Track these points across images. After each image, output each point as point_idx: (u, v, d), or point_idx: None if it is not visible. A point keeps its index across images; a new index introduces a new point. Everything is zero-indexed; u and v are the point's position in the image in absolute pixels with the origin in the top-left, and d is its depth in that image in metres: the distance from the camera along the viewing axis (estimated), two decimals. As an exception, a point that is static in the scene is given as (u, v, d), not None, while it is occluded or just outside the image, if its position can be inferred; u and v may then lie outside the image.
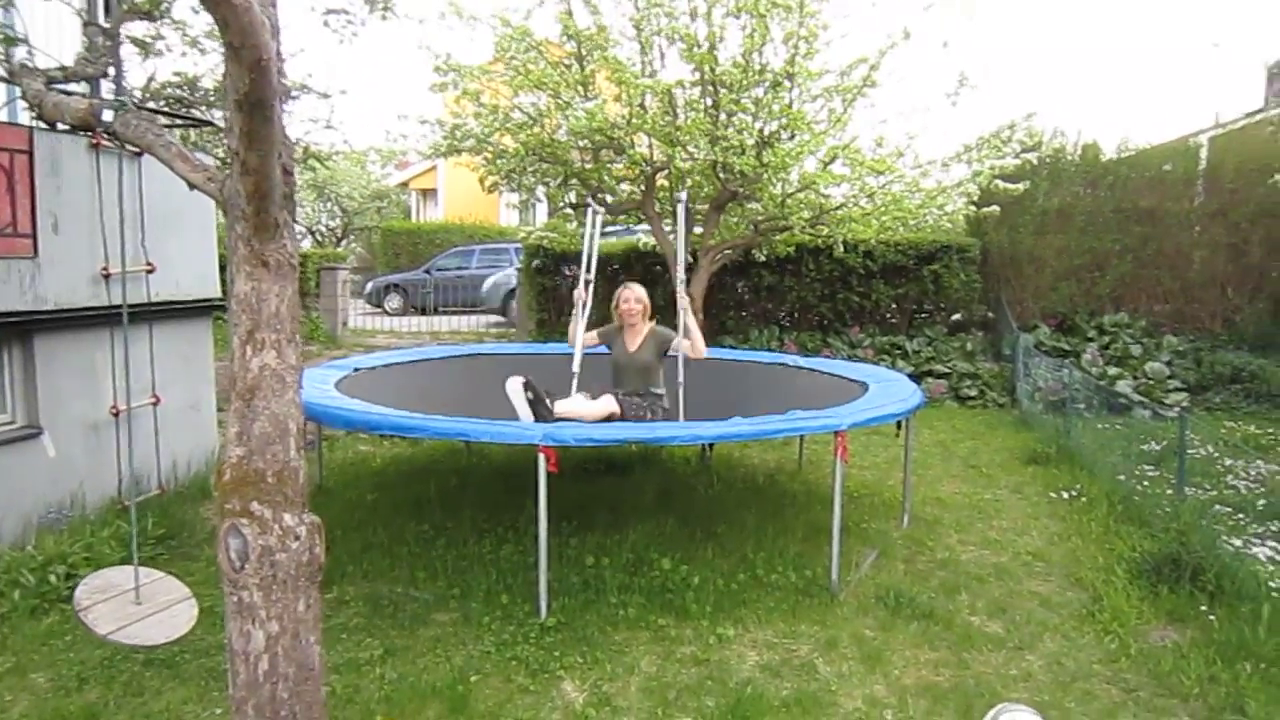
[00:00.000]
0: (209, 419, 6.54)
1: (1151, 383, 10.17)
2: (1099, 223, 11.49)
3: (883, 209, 8.65)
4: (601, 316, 6.66)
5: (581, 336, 5.83)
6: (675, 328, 5.57)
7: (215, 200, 2.53)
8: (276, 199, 2.33)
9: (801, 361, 6.69)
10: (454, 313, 16.99)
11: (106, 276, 5.35)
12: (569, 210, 10.16)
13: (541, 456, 3.89)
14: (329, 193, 28.98)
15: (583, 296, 5.87)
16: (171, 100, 11.07)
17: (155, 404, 5.72)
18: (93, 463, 5.45)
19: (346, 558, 4.79)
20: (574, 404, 5.21)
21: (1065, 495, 6.33)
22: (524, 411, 4.85)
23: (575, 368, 5.94)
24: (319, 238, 31.46)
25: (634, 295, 5.63)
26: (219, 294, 6.49)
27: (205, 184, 2.51)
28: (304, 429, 2.58)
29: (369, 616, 4.16)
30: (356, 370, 5.98)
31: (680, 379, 5.49)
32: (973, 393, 10.46)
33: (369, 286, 20.26)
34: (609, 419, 5.25)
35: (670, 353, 5.57)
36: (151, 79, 12.85)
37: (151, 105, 9.07)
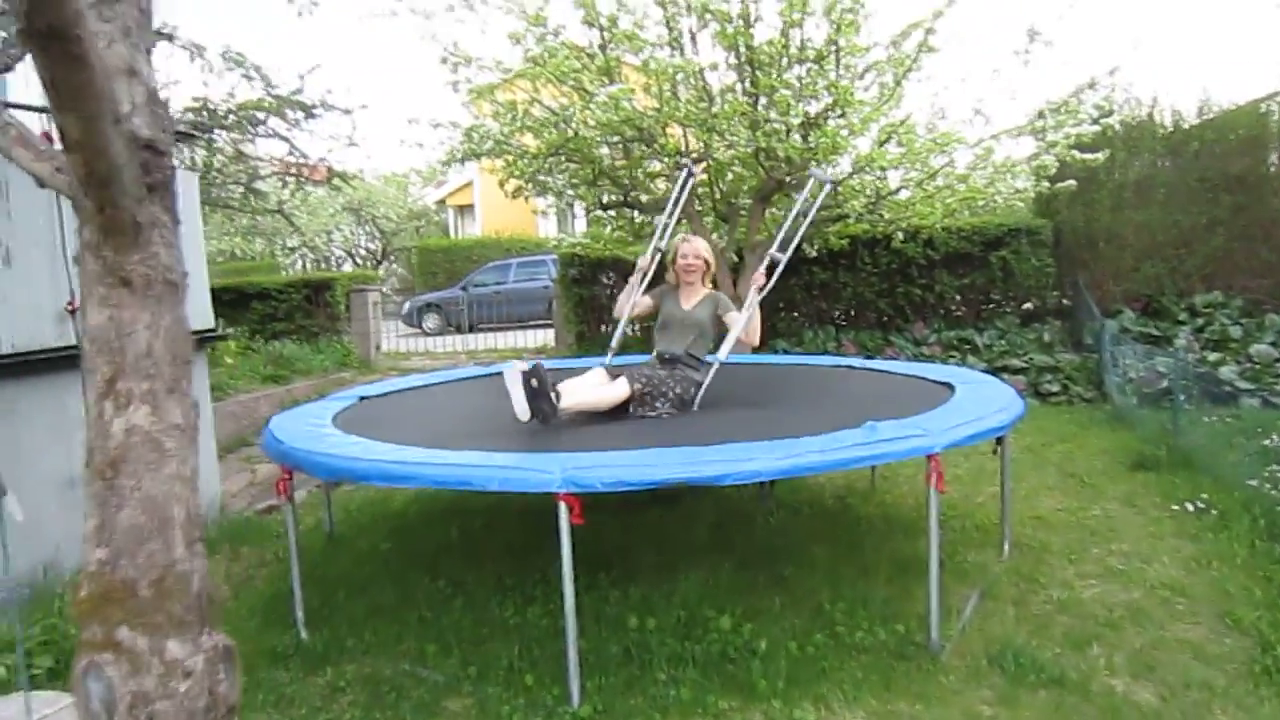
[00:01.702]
0: (208, 463, 5.88)
1: (1259, 367, 9.08)
2: (1183, 194, 10.41)
3: (947, 189, 7.75)
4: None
5: (629, 306, 5.12)
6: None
7: (70, 198, 1.79)
8: (126, 187, 1.59)
9: (869, 363, 5.83)
10: (493, 329, 16.37)
11: (72, 312, 4.72)
12: (600, 213, 9.39)
13: (563, 506, 3.12)
14: (365, 214, 28.67)
15: (645, 265, 5.18)
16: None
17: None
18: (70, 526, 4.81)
19: (347, 629, 4.06)
20: (582, 395, 4.46)
21: (1190, 508, 5.37)
22: (520, 406, 4.14)
23: (614, 343, 5.23)
24: (359, 260, 31.22)
25: (694, 249, 4.97)
26: (212, 324, 5.84)
27: (53, 177, 1.79)
28: (198, 514, 1.83)
29: (366, 708, 3.40)
30: (362, 399, 5.27)
31: (721, 355, 4.78)
32: (1055, 388, 9.47)
33: (406, 307, 19.74)
34: (626, 403, 4.52)
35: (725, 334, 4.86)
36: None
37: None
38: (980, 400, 4.18)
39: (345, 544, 5.33)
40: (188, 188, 5.55)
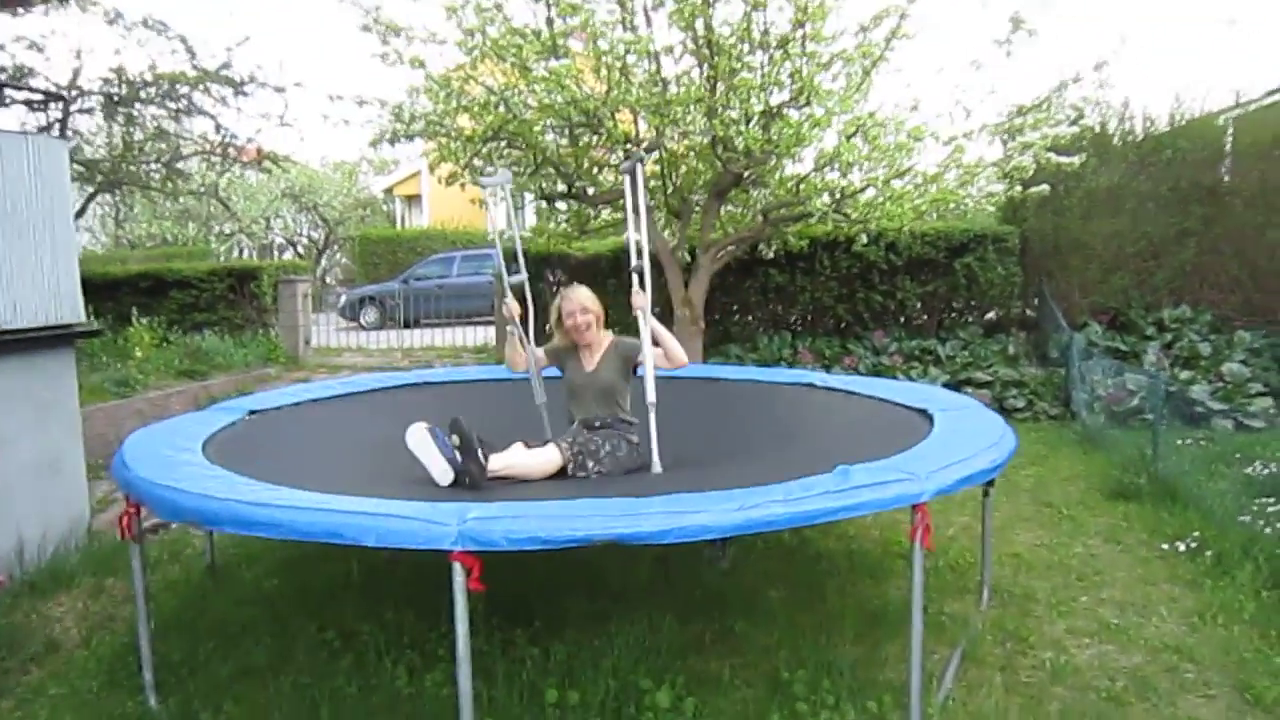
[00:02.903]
0: (74, 482, 5.09)
1: (1230, 386, 8.69)
2: (1153, 204, 10.01)
3: (915, 190, 7.19)
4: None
5: (532, 357, 4.42)
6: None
7: None
8: None
9: (834, 381, 5.22)
10: (435, 325, 15.55)
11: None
12: (544, 204, 8.68)
13: (458, 567, 2.45)
14: (307, 201, 27.55)
15: (515, 313, 4.42)
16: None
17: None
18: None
19: (206, 696, 3.34)
20: (513, 458, 3.79)
21: (1181, 548, 4.86)
22: (438, 469, 3.48)
23: (540, 398, 4.52)
24: (300, 250, 30.04)
25: (578, 304, 4.23)
26: (82, 317, 5.04)
27: None
28: None
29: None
30: (251, 415, 4.53)
31: (649, 398, 4.00)
32: (1020, 403, 9.00)
33: (343, 299, 18.82)
34: (560, 472, 3.86)
35: (638, 370, 4.18)
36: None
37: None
38: (966, 434, 3.59)
39: (227, 578, 4.59)
40: (52, 157, 4.76)
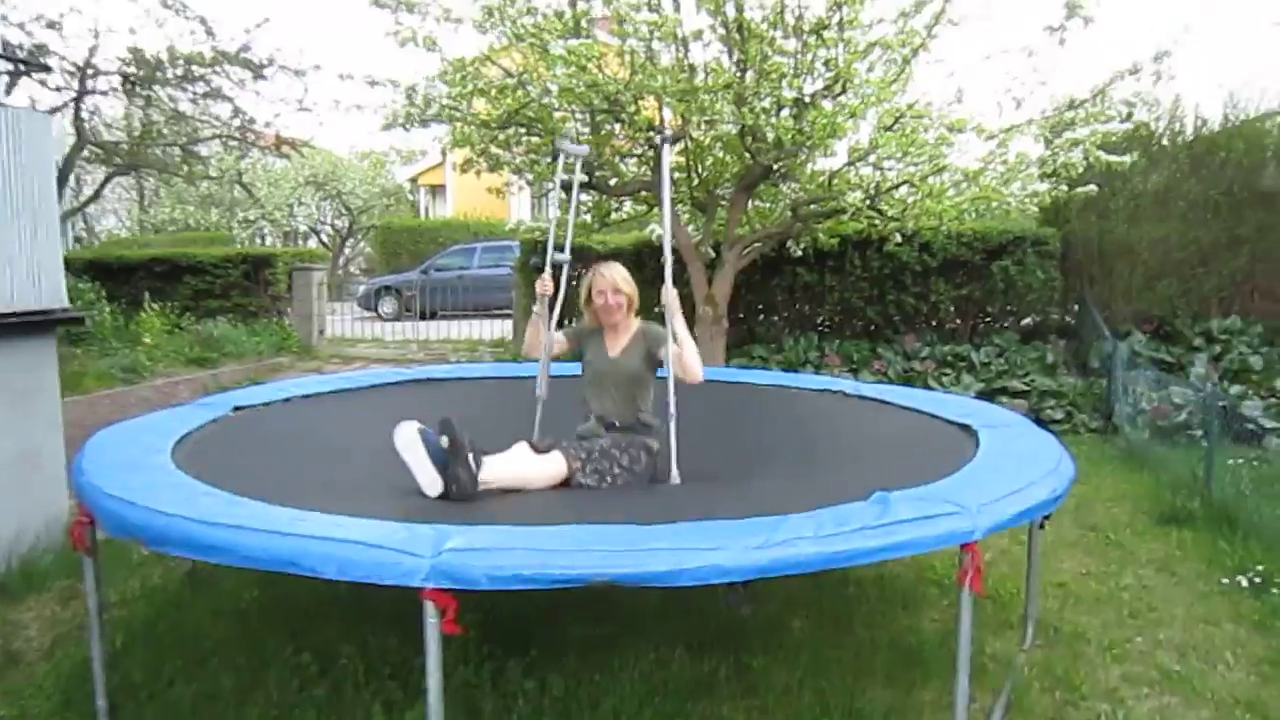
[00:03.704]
0: (53, 477, 4.78)
1: (1285, 403, 8.20)
2: (1204, 208, 9.51)
3: (956, 186, 6.77)
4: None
5: (548, 341, 4.06)
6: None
7: None
8: None
9: (867, 390, 4.83)
10: (453, 317, 15.28)
11: None
12: (564, 194, 8.30)
13: (429, 606, 2.10)
14: (330, 189, 27.35)
15: (547, 290, 4.07)
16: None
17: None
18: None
19: (161, 727, 3.02)
20: (508, 465, 3.43)
21: (1244, 583, 4.44)
22: (426, 478, 3.13)
23: (540, 390, 4.19)
24: (324, 238, 29.88)
25: (611, 282, 3.90)
26: (64, 303, 4.73)
27: None
28: None
29: None
30: (236, 410, 4.21)
31: (670, 406, 3.68)
32: (1058, 415, 8.54)
33: (361, 289, 18.59)
34: (564, 483, 3.52)
35: (660, 369, 3.86)
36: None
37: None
38: (1018, 456, 3.19)
39: (204, 590, 4.27)
40: (34, 131, 4.45)
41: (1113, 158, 7.10)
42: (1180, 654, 3.73)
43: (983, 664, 3.56)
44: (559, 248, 4.29)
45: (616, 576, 2.04)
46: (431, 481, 3.18)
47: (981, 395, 8.51)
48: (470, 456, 3.21)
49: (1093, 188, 7.54)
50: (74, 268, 12.15)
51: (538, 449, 3.64)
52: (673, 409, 3.67)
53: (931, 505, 2.47)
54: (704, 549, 2.13)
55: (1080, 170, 6.82)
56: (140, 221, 28.46)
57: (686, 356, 3.72)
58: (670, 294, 3.76)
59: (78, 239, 26.57)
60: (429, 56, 6.69)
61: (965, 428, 3.82)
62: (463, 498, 3.17)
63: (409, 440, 3.21)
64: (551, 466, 3.53)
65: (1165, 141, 9.69)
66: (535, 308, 4.12)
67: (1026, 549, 3.79)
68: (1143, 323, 9.65)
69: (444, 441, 3.20)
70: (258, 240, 27.07)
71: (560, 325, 4.29)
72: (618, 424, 3.86)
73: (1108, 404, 8.54)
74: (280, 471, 3.25)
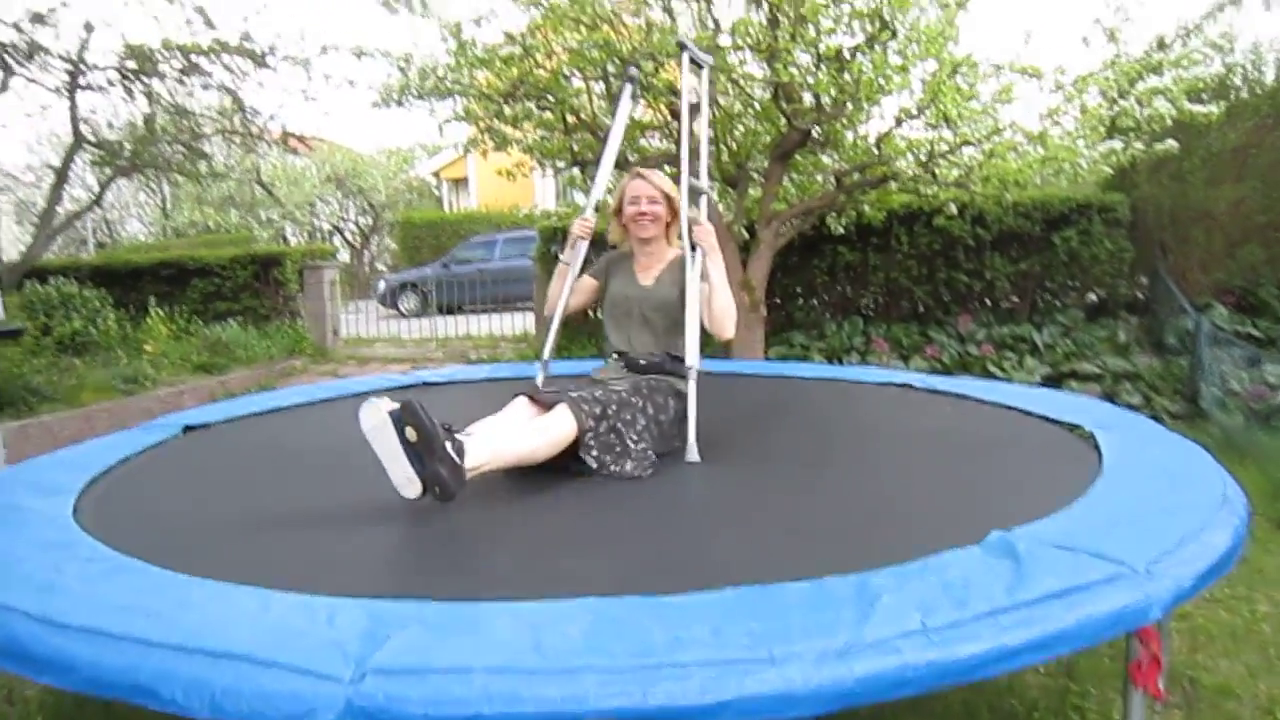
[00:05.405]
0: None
1: (1398, 381, 7.28)
2: (1290, 164, 8.57)
3: (1020, 147, 5.95)
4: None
5: (563, 298, 3.44)
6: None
7: None
8: None
9: (938, 383, 4.05)
10: (477, 311, 14.63)
11: None
12: (577, 172, 7.58)
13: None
14: (351, 186, 26.86)
15: (582, 233, 3.44)
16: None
17: None
18: None
19: None
20: (501, 442, 2.73)
21: None
22: (400, 476, 2.46)
23: (546, 353, 3.50)
24: (348, 236, 29.43)
25: (647, 188, 3.26)
26: (-4, 311, 4.09)
27: None
28: None
29: None
30: (187, 430, 3.53)
31: (689, 359, 3.08)
32: (1135, 399, 7.68)
33: (381, 286, 18.01)
34: (570, 450, 2.83)
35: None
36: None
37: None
38: (1164, 472, 2.41)
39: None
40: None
41: (1198, 108, 6.23)
42: (1360, 711, 2.94)
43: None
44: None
45: (622, 712, 1.31)
46: (408, 480, 2.46)
47: (1048, 380, 7.72)
48: (448, 446, 2.48)
49: (1173, 144, 6.66)
50: (80, 274, 11.71)
51: (539, 402, 2.95)
52: (694, 359, 3.03)
53: (1081, 564, 1.70)
54: (751, 663, 1.38)
55: (1167, 123, 5.96)
56: (164, 226, 28.19)
57: (718, 300, 3.08)
58: (705, 227, 3.07)
59: (100, 245, 26.36)
60: (426, 27, 6.01)
61: (1074, 427, 3.04)
62: (446, 498, 2.45)
63: (378, 425, 2.47)
64: (556, 430, 2.81)
65: (1244, 92, 8.74)
66: (562, 256, 3.48)
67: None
68: (1223, 294, 8.74)
69: (410, 435, 2.46)
70: (280, 241, 26.66)
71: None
72: (643, 362, 3.19)
73: (1191, 386, 7.67)
74: (212, 512, 2.56)
